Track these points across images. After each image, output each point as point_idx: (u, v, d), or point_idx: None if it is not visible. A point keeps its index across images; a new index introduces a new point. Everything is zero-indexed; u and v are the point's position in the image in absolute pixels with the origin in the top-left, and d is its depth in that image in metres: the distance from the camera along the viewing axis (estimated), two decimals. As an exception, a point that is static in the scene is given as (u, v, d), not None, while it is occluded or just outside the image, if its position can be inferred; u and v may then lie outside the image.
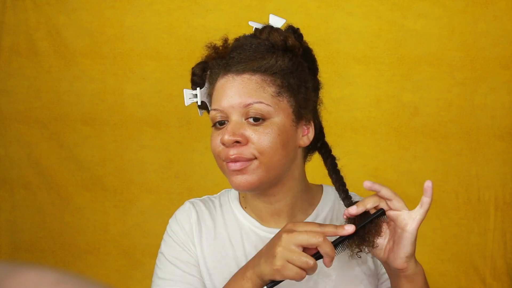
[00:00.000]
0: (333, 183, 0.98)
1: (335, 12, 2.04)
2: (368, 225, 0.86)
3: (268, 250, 0.84)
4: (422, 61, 2.01)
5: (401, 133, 2.04)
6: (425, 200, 0.86)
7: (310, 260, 0.81)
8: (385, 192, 0.86)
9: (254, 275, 0.86)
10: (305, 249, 0.83)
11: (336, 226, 0.85)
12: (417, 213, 0.85)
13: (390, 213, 0.87)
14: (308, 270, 0.82)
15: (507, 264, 2.01)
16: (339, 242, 0.85)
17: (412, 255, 0.86)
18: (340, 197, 0.95)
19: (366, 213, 0.87)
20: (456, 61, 1.99)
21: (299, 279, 0.82)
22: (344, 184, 0.96)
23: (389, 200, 0.86)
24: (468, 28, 1.98)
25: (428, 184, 0.85)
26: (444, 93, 2.01)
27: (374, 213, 0.87)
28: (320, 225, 0.85)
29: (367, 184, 0.85)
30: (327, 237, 0.84)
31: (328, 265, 0.83)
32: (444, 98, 2.01)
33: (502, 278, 2.01)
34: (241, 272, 0.89)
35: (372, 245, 0.87)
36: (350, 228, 0.84)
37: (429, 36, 2.00)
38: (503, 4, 1.95)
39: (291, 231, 0.83)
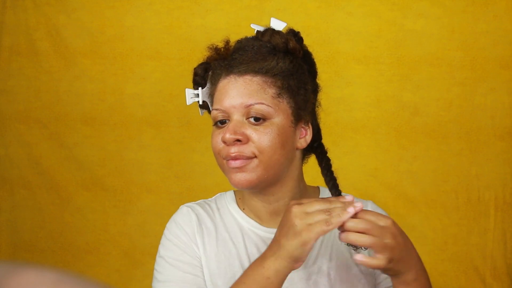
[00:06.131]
0: (326, 183, 0.99)
1: (335, 12, 2.04)
2: None
3: (286, 230, 0.85)
4: (422, 61, 2.01)
5: (401, 133, 2.04)
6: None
7: (325, 214, 0.83)
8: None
9: (279, 259, 0.85)
10: None
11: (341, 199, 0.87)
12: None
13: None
14: (329, 226, 0.82)
15: (507, 264, 2.01)
16: None
17: (391, 274, 0.87)
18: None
19: None
20: (456, 61, 1.99)
21: (323, 234, 0.83)
22: (337, 186, 0.98)
23: None
24: (468, 28, 1.98)
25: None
26: (444, 93, 2.01)
27: None
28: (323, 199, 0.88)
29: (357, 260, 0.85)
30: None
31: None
32: (444, 98, 2.01)
33: (502, 278, 2.01)
34: (256, 265, 0.88)
35: None
36: (349, 197, 0.87)
37: (429, 36, 2.00)
38: (503, 4, 1.95)
39: (299, 203, 0.86)
